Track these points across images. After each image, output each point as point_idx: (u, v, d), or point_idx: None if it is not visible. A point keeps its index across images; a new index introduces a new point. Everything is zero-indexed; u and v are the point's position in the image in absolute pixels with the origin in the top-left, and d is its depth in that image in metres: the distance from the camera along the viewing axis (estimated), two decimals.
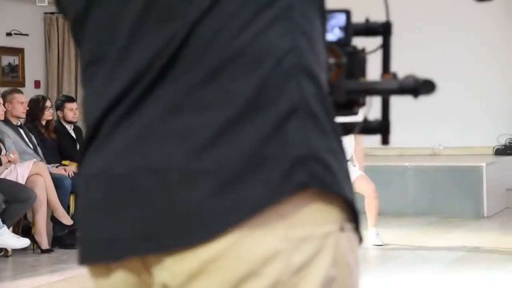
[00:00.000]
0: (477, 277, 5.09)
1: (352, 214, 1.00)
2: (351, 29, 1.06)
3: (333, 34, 1.02)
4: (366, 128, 1.09)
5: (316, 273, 0.95)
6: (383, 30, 1.10)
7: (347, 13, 1.05)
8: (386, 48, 1.10)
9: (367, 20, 1.11)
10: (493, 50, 9.07)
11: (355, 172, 6.09)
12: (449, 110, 9.13)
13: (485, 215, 7.72)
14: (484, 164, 7.85)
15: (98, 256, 1.03)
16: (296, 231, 0.95)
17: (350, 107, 1.02)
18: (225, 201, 0.94)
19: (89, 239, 1.04)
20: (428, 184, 7.93)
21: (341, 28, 1.04)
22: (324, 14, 1.02)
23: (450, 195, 7.82)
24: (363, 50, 1.08)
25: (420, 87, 1.02)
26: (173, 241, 0.96)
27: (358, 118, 1.07)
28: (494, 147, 8.99)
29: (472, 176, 7.83)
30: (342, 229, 0.98)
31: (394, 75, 1.07)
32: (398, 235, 6.56)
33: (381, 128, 1.11)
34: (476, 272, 5.24)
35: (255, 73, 0.96)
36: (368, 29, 1.10)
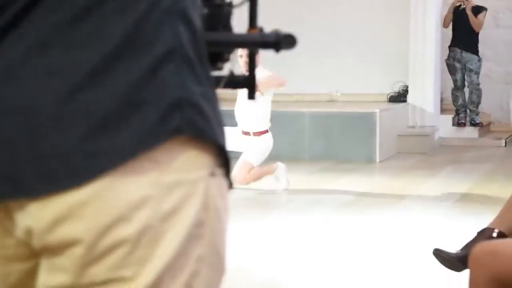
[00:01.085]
0: (365, 219, 5.31)
1: (224, 159, 1.00)
2: None
3: None
4: (232, 82, 1.09)
5: (185, 218, 0.95)
6: None
7: None
8: (253, 2, 1.10)
9: None
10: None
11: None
12: (347, 58, 9.32)
13: (377, 160, 8.01)
14: (377, 111, 8.10)
15: None
16: (167, 177, 0.94)
17: (214, 61, 1.03)
18: (97, 146, 0.92)
19: None
20: (324, 130, 8.12)
21: None
22: None
23: (344, 141, 8.05)
24: (230, 4, 1.08)
25: (281, 41, 1.04)
26: (39, 186, 0.92)
27: (223, 73, 1.09)
28: (388, 94, 9.27)
29: (366, 122, 8.07)
30: (212, 175, 0.98)
31: (261, 30, 1.08)
32: (293, 179, 6.72)
33: (247, 82, 1.11)
34: (364, 215, 5.46)
35: (131, 13, 0.93)
36: None
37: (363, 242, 4.71)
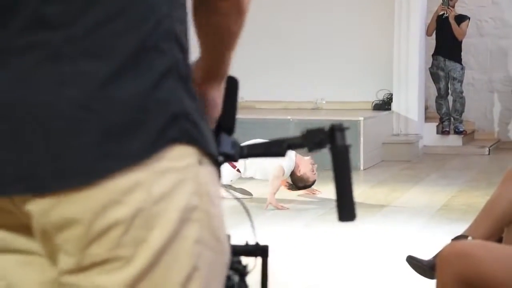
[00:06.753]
0: (345, 228, 5.33)
1: (212, 160, 1.10)
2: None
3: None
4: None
5: (177, 201, 1.02)
6: (261, 253, 1.31)
7: None
8: (264, 269, 1.32)
9: (246, 243, 1.32)
10: (371, 8, 9.32)
11: None
12: (332, 66, 9.37)
13: (362, 168, 8.04)
14: (361, 119, 8.14)
15: None
16: (158, 165, 1.02)
17: None
18: (107, 150, 1.00)
19: None
20: None
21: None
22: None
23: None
24: None
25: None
26: (51, 183, 0.99)
27: None
28: (373, 102, 9.31)
29: (350, 130, 8.06)
30: (200, 162, 1.06)
31: None
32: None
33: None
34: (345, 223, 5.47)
35: (137, 32, 1.03)
36: (247, 250, 1.31)
37: (340, 250, 4.74)
